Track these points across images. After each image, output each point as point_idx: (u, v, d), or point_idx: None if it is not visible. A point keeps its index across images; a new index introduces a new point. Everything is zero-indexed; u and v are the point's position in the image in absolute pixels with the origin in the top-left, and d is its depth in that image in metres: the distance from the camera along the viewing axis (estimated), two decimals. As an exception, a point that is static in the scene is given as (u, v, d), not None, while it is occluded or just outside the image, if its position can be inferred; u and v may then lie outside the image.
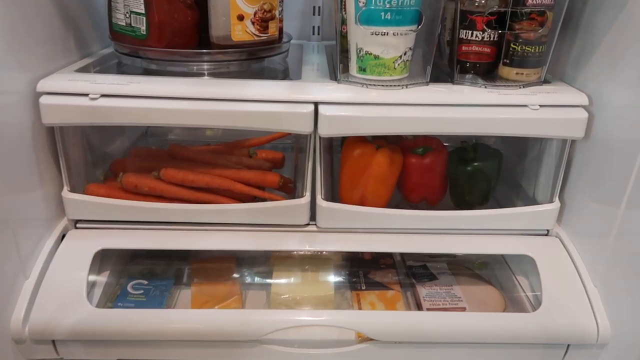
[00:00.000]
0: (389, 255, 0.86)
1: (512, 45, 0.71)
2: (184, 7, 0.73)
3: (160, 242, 0.72)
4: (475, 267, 0.86)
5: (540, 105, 0.68)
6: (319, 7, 1.03)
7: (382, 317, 0.67)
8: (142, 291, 0.74)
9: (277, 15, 0.77)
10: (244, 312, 0.68)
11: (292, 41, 0.85)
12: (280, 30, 0.84)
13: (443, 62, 0.80)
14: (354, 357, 0.67)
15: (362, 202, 0.75)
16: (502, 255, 0.84)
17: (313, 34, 1.07)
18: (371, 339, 0.66)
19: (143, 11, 0.70)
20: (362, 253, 0.86)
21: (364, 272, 0.83)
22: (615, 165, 0.64)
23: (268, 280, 0.76)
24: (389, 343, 0.66)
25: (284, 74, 0.80)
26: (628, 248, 0.62)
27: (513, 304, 0.76)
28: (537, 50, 0.70)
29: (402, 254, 0.86)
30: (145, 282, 0.76)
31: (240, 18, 0.72)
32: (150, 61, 0.74)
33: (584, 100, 0.69)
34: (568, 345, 0.67)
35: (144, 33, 0.71)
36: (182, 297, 0.76)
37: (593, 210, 0.69)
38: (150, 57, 0.74)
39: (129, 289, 0.75)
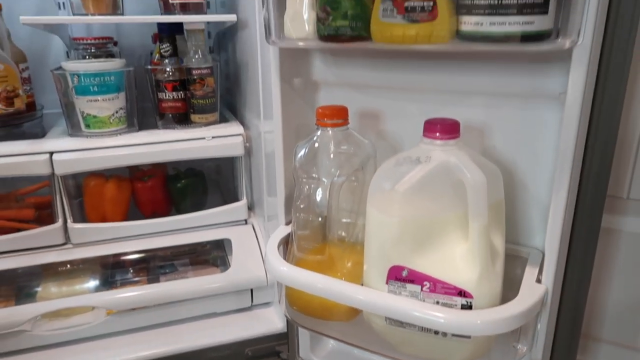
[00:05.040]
0: (143, 260, 1.15)
1: (191, 100, 1.07)
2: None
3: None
4: (211, 258, 1.18)
5: (213, 137, 1.04)
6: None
7: (120, 294, 0.95)
8: None
9: (22, 94, 1.04)
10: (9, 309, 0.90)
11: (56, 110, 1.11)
12: (32, 103, 1.11)
13: (159, 115, 1.13)
14: (105, 327, 0.93)
15: (103, 220, 1.03)
16: (223, 245, 1.17)
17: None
18: (114, 311, 0.93)
19: None
20: (123, 261, 1.13)
21: (122, 274, 1.10)
22: (260, 169, 1.02)
23: (36, 289, 0.99)
24: (127, 311, 0.94)
25: (34, 135, 1.06)
26: (270, 224, 0.99)
27: (225, 274, 1.09)
28: (208, 102, 1.07)
29: (153, 258, 1.15)
30: None
31: (-13, 98, 0.98)
32: None
33: (241, 130, 1.07)
34: (252, 289, 1.01)
35: None
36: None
37: (261, 201, 1.06)
38: None
39: None
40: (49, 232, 1.00)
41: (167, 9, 1.00)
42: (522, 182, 0.64)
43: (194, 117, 1.08)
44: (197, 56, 1.04)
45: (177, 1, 0.97)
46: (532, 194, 0.63)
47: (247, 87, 1.06)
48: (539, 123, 0.60)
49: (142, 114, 1.11)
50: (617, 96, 0.55)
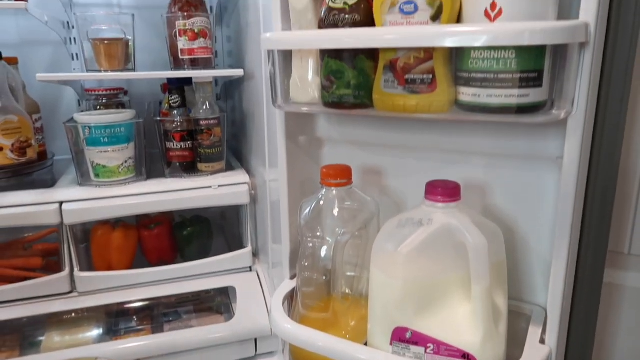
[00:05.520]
0: (148, 307, 1.15)
1: (199, 149, 1.09)
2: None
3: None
4: (215, 305, 1.18)
5: (219, 185, 1.06)
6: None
7: (123, 344, 0.95)
8: None
9: (34, 144, 1.07)
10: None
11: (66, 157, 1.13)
12: (43, 152, 1.14)
13: (167, 163, 1.15)
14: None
15: (110, 269, 1.04)
16: (228, 292, 1.17)
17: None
18: (117, 363, 0.93)
19: None
20: (128, 309, 1.13)
21: (126, 322, 1.10)
22: (265, 217, 1.03)
23: (40, 338, 0.99)
24: (131, 362, 0.94)
25: (44, 183, 1.08)
26: (275, 271, 0.99)
27: (229, 322, 1.09)
28: (215, 151, 1.09)
29: (157, 305, 1.15)
30: None
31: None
32: None
33: (247, 179, 1.08)
34: (256, 339, 1.01)
35: None
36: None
37: (266, 248, 1.07)
38: None
39: None
40: (56, 281, 1.01)
41: (177, 64, 1.03)
42: (524, 240, 0.65)
43: (201, 166, 1.10)
44: (204, 107, 1.07)
45: (187, 57, 1.01)
46: (534, 251, 0.64)
47: (253, 136, 1.09)
48: (538, 183, 0.61)
49: (150, 160, 1.14)
50: (613, 158, 0.56)
